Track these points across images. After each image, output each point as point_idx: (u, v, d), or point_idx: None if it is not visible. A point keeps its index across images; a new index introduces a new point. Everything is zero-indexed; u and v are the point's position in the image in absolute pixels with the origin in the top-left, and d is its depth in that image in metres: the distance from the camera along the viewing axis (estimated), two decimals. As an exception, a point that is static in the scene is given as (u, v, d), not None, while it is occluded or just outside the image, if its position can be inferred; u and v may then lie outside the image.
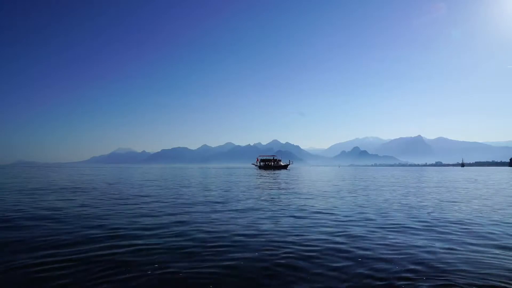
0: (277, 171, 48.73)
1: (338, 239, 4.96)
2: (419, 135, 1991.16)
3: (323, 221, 6.47)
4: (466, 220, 6.61)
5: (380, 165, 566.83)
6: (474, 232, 5.54)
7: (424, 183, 20.18)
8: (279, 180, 23.20)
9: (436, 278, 3.36)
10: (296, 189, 14.81)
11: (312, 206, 8.63)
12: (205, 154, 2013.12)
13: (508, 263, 3.86)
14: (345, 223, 6.30)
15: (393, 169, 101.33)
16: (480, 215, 7.35)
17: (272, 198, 10.79)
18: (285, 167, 70.47)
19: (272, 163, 69.22)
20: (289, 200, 10.20)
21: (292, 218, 6.74)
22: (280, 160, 70.57)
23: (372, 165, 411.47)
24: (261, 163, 70.26)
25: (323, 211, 7.79)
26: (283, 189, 14.78)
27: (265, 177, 27.35)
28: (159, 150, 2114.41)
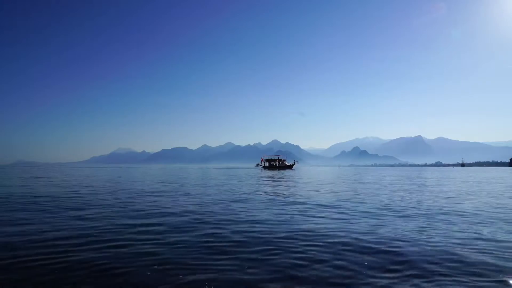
0: (282, 171, 47.92)
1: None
2: (419, 135, 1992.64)
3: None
4: None
5: (380, 165, 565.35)
6: None
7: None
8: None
9: None
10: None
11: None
12: (205, 154, 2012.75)
13: None
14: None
15: (394, 169, 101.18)
16: None
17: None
18: (290, 167, 69.77)
19: (277, 163, 68.74)
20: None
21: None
22: (285, 160, 69.84)
23: (372, 165, 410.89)
24: (265, 163, 69.98)
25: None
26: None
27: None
28: (159, 150, 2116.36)
